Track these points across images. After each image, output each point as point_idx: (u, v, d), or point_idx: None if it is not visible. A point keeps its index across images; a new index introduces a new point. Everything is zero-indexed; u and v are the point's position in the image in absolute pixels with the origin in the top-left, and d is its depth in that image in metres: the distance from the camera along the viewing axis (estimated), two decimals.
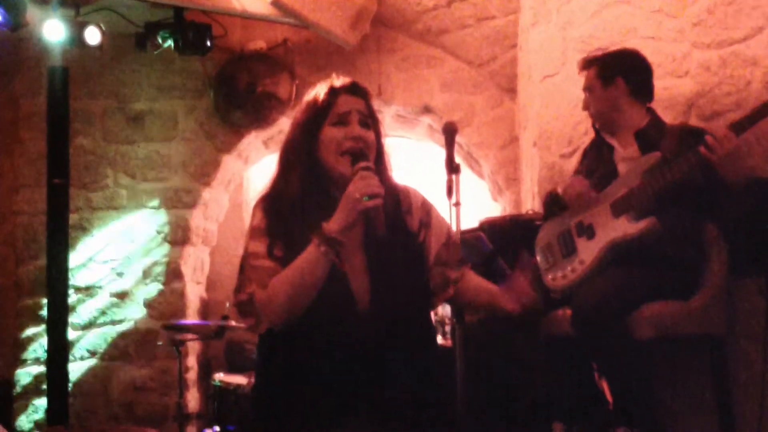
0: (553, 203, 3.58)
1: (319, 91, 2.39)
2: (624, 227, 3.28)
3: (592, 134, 3.70)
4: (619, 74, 3.45)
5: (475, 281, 2.53)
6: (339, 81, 2.41)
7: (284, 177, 2.38)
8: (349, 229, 2.21)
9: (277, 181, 2.41)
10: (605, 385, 3.24)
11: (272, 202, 2.37)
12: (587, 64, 3.57)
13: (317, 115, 2.35)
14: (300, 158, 2.35)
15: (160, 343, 5.39)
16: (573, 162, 4.05)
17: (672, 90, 3.83)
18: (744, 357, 3.46)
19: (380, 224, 2.23)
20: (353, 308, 2.26)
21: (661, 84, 3.59)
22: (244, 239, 2.38)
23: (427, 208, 2.49)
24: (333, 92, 2.36)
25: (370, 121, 2.39)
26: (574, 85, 4.09)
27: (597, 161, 3.59)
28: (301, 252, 2.22)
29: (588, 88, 3.54)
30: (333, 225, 2.19)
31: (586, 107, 3.57)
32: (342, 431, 2.22)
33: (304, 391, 2.23)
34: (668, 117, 3.60)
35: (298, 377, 2.24)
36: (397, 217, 2.37)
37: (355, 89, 2.40)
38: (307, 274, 2.19)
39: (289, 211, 2.31)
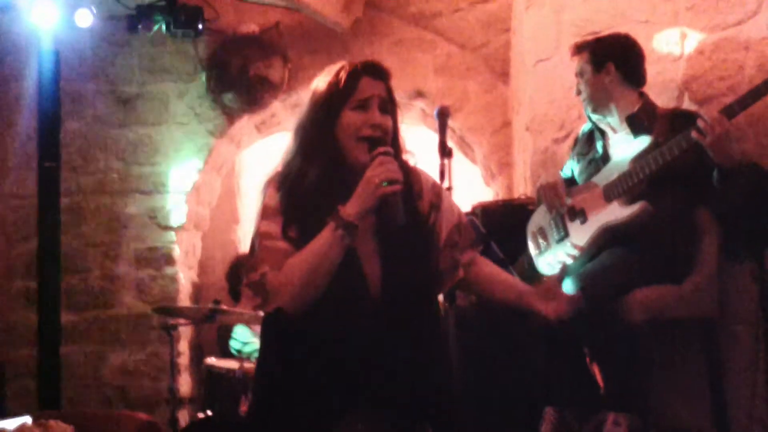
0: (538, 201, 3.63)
1: (340, 71, 2.35)
2: (616, 212, 3.29)
3: (584, 119, 3.70)
4: (610, 59, 3.45)
5: (494, 272, 2.51)
6: (361, 62, 2.38)
7: (300, 157, 2.35)
8: (366, 214, 2.20)
9: (292, 160, 2.37)
10: (596, 370, 3.24)
11: (286, 181, 2.33)
12: (579, 49, 3.57)
13: (338, 97, 2.31)
14: (317, 140, 2.33)
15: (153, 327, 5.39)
16: (566, 146, 4.05)
17: (665, 74, 3.82)
18: (736, 340, 3.47)
19: (399, 212, 2.21)
20: (365, 292, 2.25)
21: (654, 68, 3.58)
22: (256, 218, 2.35)
23: (437, 191, 2.47)
24: (355, 74, 2.33)
25: (390, 105, 2.36)
26: (567, 69, 4.07)
27: (589, 146, 3.60)
28: (315, 234, 2.21)
29: (580, 74, 3.54)
30: (350, 209, 2.18)
31: (578, 92, 3.57)
32: (352, 415, 2.21)
33: (312, 375, 2.20)
34: (661, 101, 3.59)
35: (307, 361, 2.21)
36: (409, 200, 2.34)
37: (376, 71, 2.37)
38: (323, 258, 2.18)
39: (304, 192, 2.28)
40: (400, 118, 2.42)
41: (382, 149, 2.24)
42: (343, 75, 2.33)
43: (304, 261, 2.20)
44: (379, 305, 2.25)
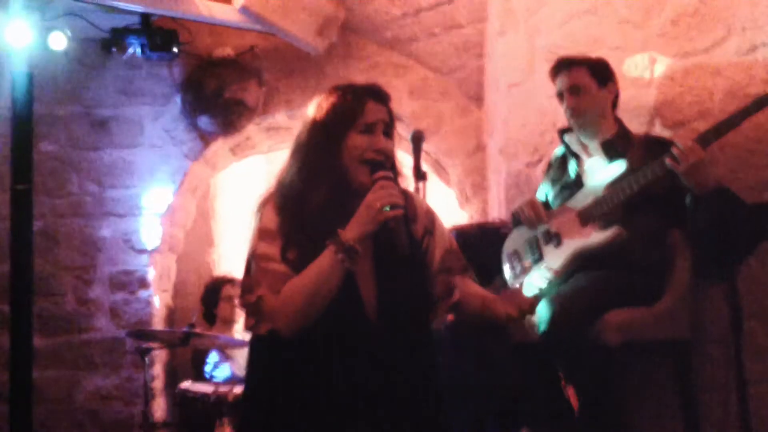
0: (516, 222, 3.64)
1: (344, 94, 2.34)
2: (591, 236, 3.31)
3: (557, 143, 3.73)
4: (611, 79, 3.47)
5: (471, 287, 2.51)
6: (364, 85, 2.37)
7: (301, 178, 2.33)
8: (367, 238, 2.19)
9: (292, 181, 2.34)
10: (571, 392, 3.26)
11: (287, 203, 2.31)
12: (572, 63, 3.51)
13: (344, 120, 2.30)
14: (321, 161, 2.30)
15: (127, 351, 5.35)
16: (539, 170, 4.08)
17: (637, 99, 3.87)
18: (709, 361, 3.50)
19: (401, 237, 2.21)
20: (362, 314, 2.24)
21: (626, 94, 3.63)
22: (252, 240, 2.32)
23: (431, 216, 2.48)
24: (361, 98, 2.32)
25: (391, 129, 2.36)
26: (540, 93, 4.12)
27: (563, 171, 3.62)
28: (315, 257, 2.19)
29: (578, 87, 3.46)
30: (351, 233, 2.17)
31: (574, 106, 3.47)
32: None
33: (307, 396, 2.19)
34: (633, 126, 3.64)
35: (301, 382, 2.20)
36: (405, 224, 2.33)
37: (380, 96, 2.35)
38: (323, 282, 2.16)
39: (306, 215, 2.26)
40: (396, 142, 2.42)
41: (383, 173, 2.23)
42: (349, 98, 2.32)
43: (303, 284, 2.18)
44: (374, 327, 2.24)
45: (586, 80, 3.46)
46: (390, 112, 2.36)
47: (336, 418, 2.18)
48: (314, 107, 2.39)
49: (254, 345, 2.36)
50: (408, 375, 2.23)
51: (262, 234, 2.29)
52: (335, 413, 2.18)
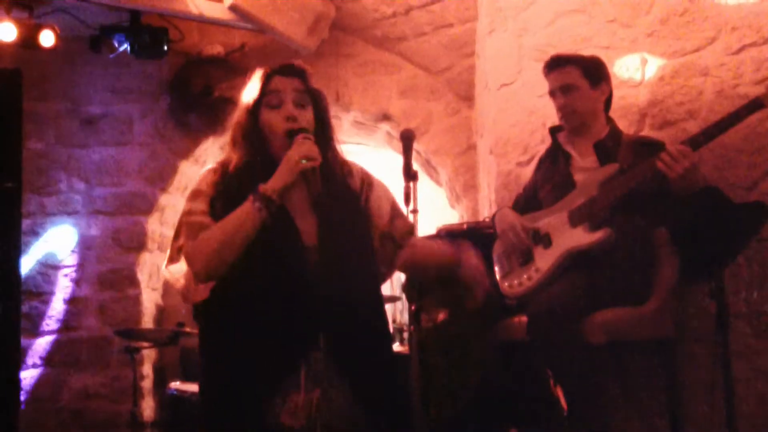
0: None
1: (255, 75, 2.52)
2: (580, 237, 3.31)
3: (548, 142, 3.73)
4: (605, 79, 3.46)
5: (422, 243, 2.64)
6: (277, 64, 2.53)
7: (232, 153, 2.51)
8: (287, 190, 2.35)
9: (227, 156, 2.53)
10: (560, 391, 3.26)
11: (219, 171, 2.49)
12: (564, 61, 3.48)
13: (254, 98, 2.48)
14: (243, 137, 2.48)
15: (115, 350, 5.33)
16: (529, 170, 4.08)
17: (626, 99, 3.88)
18: (694, 360, 3.52)
19: (317, 183, 2.37)
20: (300, 243, 2.37)
21: (615, 93, 3.63)
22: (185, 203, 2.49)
23: (367, 174, 2.63)
24: (267, 76, 2.49)
25: (308, 98, 2.50)
26: (530, 93, 4.13)
27: (553, 170, 3.60)
28: None
29: (569, 86, 3.44)
30: (270, 184, 2.33)
31: (565, 105, 3.46)
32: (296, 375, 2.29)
33: (257, 340, 2.28)
34: (622, 126, 3.64)
35: (249, 327, 2.30)
36: (340, 177, 2.52)
37: (288, 70, 2.52)
38: (238, 227, 2.31)
39: (233, 180, 2.43)
40: (325, 106, 2.57)
41: (303, 135, 2.40)
42: (258, 78, 2.50)
43: (219, 229, 2.33)
44: (316, 268, 2.35)
45: (578, 80, 3.44)
46: (305, 83, 2.51)
47: (288, 352, 2.28)
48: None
49: (200, 318, 2.46)
50: (353, 302, 2.35)
51: (192, 195, 2.46)
52: (284, 355, 2.28)
